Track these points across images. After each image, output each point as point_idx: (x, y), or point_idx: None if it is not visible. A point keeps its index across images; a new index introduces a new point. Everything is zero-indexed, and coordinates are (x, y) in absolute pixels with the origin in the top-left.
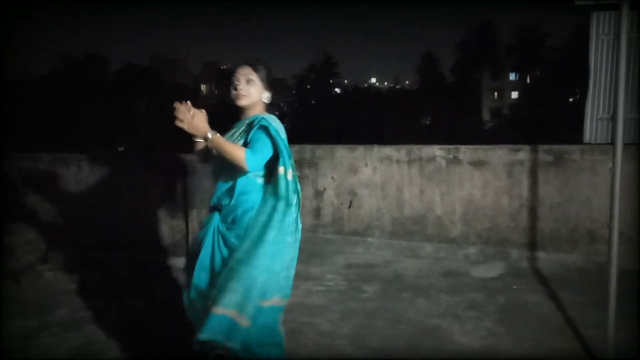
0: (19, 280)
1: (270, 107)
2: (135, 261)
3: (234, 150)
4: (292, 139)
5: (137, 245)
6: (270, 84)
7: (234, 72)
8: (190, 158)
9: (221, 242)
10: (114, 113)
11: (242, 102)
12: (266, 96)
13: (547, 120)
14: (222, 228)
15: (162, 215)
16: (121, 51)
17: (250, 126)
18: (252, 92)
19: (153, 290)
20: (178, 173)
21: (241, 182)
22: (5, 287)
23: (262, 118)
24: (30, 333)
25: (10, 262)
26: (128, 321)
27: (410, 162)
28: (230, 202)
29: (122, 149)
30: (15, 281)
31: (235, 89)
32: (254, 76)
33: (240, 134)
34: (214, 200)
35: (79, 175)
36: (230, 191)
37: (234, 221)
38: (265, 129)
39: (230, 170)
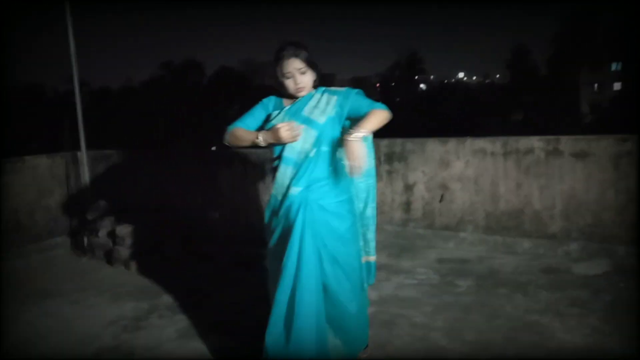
0: (129, 266)
1: None
2: (236, 253)
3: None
4: (380, 134)
5: (237, 237)
6: (313, 63)
7: (283, 66)
8: None
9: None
10: (209, 115)
11: (303, 93)
12: (315, 77)
13: None
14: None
15: (260, 208)
16: (214, 56)
17: (327, 97)
18: (307, 80)
19: (252, 281)
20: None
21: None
22: (119, 273)
23: (335, 90)
24: (142, 314)
25: (122, 250)
26: (230, 307)
27: (505, 155)
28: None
29: (214, 147)
30: (126, 267)
31: (295, 84)
32: (303, 65)
33: (325, 102)
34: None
35: (182, 170)
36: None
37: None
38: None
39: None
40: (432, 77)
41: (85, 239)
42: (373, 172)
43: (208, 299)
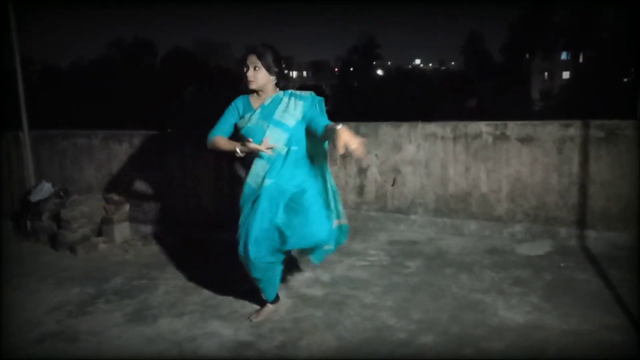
0: (75, 251)
1: (313, 90)
2: (185, 236)
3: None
4: (336, 119)
5: (186, 220)
6: (277, 66)
7: (244, 59)
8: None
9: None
10: (162, 97)
11: (252, 87)
12: (272, 79)
13: (600, 102)
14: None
15: (210, 191)
16: (167, 35)
17: (294, 101)
18: (259, 77)
19: (202, 263)
20: (224, 151)
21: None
22: (64, 257)
23: (301, 94)
24: (88, 299)
25: (67, 234)
26: (178, 289)
27: (455, 139)
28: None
29: (170, 130)
30: (72, 252)
31: (245, 75)
32: (259, 63)
33: (293, 107)
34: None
35: (131, 151)
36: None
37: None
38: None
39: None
40: (389, 62)
41: (28, 223)
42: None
43: (156, 281)
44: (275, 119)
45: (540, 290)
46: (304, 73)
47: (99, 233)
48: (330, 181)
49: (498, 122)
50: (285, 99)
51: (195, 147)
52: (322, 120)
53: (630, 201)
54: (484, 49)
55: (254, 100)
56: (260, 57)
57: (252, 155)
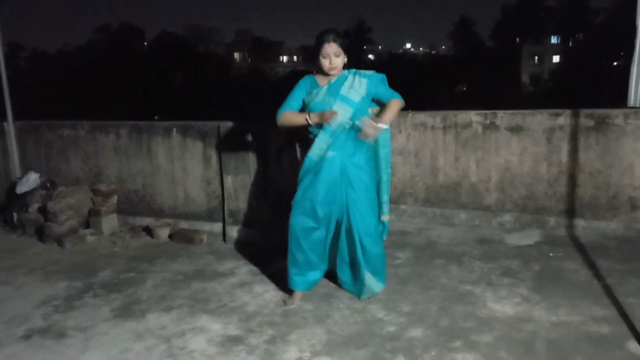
0: (62, 243)
1: (302, 75)
2: (173, 227)
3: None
4: None
5: (175, 211)
6: (346, 48)
7: (322, 47)
8: (225, 125)
9: None
10: (150, 83)
11: (334, 72)
12: (345, 58)
13: (589, 85)
14: None
15: (199, 181)
16: (155, 20)
17: (359, 79)
18: (339, 62)
19: (190, 255)
20: (213, 140)
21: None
22: (52, 250)
23: (364, 73)
24: (76, 294)
25: (55, 226)
26: (167, 282)
27: (445, 129)
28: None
29: (157, 117)
30: (59, 245)
31: (330, 64)
32: (339, 50)
33: (358, 84)
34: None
35: (118, 142)
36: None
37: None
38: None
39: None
40: (380, 47)
41: (15, 215)
42: (389, 144)
43: (144, 275)
44: (342, 94)
45: (529, 281)
46: (294, 58)
47: (87, 225)
48: (387, 169)
49: (488, 112)
50: (350, 77)
51: (182, 136)
52: (388, 95)
53: (619, 190)
54: (474, 33)
55: (320, 79)
56: (339, 44)
57: (313, 134)
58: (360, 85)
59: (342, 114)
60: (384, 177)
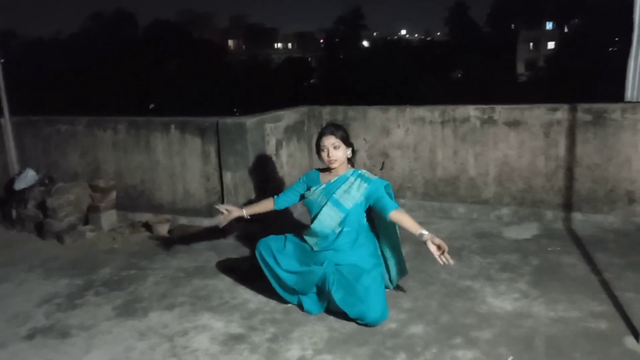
0: (62, 240)
1: (298, 63)
2: (173, 222)
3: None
4: (322, 97)
5: (174, 206)
6: (348, 140)
7: (321, 140)
8: (224, 120)
9: None
10: (145, 71)
11: (335, 165)
12: (348, 152)
13: (585, 72)
14: None
15: (198, 177)
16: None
17: (359, 183)
18: (340, 155)
19: (190, 251)
20: (212, 136)
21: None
22: (52, 246)
23: (368, 177)
24: (77, 291)
25: (54, 222)
26: (168, 279)
27: (443, 123)
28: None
29: (152, 105)
30: (59, 241)
31: (328, 156)
32: (337, 141)
33: (355, 188)
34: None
35: (116, 137)
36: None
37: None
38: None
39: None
40: (375, 33)
41: (14, 211)
42: (399, 242)
43: (145, 272)
44: (335, 198)
45: (527, 276)
46: (289, 45)
47: (86, 221)
48: (397, 249)
49: (486, 106)
50: (351, 179)
51: (181, 131)
52: (388, 204)
53: (617, 184)
54: (469, 19)
55: (323, 175)
56: (337, 136)
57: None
58: (358, 189)
59: (331, 217)
60: (396, 255)
